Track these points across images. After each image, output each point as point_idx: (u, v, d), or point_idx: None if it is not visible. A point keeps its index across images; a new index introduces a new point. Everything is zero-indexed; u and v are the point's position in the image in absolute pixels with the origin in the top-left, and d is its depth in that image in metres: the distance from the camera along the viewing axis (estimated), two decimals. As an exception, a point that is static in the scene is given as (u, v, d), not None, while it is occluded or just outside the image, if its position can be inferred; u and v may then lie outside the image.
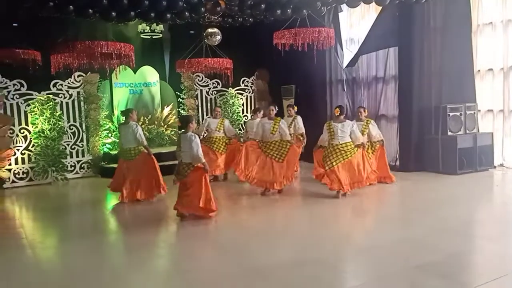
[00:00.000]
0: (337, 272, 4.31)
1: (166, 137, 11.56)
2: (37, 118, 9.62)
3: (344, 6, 10.11)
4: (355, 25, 10.78)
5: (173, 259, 4.93)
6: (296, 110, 9.10)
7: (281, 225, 5.95)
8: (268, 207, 6.85)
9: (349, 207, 6.65)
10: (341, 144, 6.94)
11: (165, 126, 11.64)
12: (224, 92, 12.16)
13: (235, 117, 12.07)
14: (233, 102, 12.08)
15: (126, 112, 7.63)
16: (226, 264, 4.54)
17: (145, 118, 11.37)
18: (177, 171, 6.08)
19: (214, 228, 5.83)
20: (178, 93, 11.85)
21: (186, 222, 6.09)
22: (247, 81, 12.59)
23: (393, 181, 7.98)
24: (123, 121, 7.67)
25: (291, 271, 4.22)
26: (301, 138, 8.78)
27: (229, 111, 12.00)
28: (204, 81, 12.10)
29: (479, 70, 9.15)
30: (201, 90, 12.09)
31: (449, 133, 8.69)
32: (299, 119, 8.96)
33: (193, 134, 6.06)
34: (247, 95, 12.61)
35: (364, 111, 8.08)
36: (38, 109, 9.61)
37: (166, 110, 11.79)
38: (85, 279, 4.27)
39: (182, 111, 11.84)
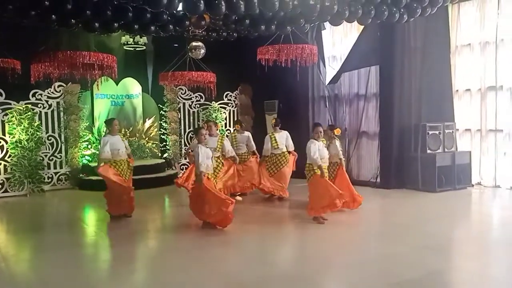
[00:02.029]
0: (318, 289, 4.29)
1: (147, 149, 11.44)
2: (15, 128, 9.41)
3: (327, 24, 10.28)
4: (337, 43, 10.95)
5: (155, 272, 4.82)
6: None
7: (267, 242, 5.90)
8: (257, 222, 6.80)
9: (329, 223, 6.64)
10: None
11: (147, 139, 11.53)
12: (207, 106, 12.14)
13: (218, 131, 12.01)
14: (216, 116, 12.06)
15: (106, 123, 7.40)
16: (210, 278, 4.47)
17: (127, 130, 11.24)
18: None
19: (197, 243, 5.75)
20: (161, 106, 11.78)
21: (167, 235, 6.01)
22: (231, 95, 12.61)
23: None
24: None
25: (274, 285, 4.19)
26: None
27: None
28: (187, 94, 12.08)
29: (457, 90, 9.37)
30: (184, 103, 12.04)
31: (428, 151, 8.83)
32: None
33: (199, 145, 6.15)
34: (230, 109, 12.61)
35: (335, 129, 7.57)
36: (16, 119, 9.41)
37: (148, 123, 11.69)
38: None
39: (164, 124, 11.76)
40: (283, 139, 8.24)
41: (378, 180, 9.48)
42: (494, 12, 8.70)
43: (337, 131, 6.50)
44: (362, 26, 9.38)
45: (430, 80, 9.22)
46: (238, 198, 8.07)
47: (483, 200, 8.42)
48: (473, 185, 9.02)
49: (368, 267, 4.70)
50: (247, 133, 8.70)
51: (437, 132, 8.91)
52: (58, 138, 10.16)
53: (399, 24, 8.42)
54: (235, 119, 12.34)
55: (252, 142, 8.57)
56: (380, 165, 9.54)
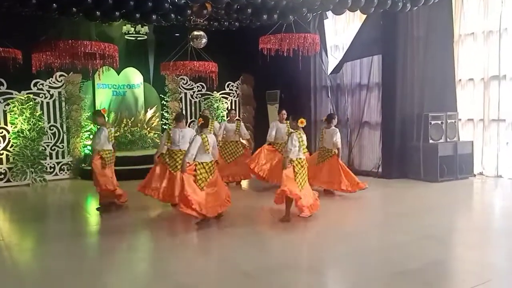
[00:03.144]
0: (320, 277, 4.31)
1: (149, 139, 11.44)
2: (17, 118, 9.41)
3: (329, 13, 10.21)
4: (340, 32, 10.88)
5: (156, 262, 4.85)
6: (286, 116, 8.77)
7: (267, 230, 5.92)
8: (257, 212, 6.82)
9: (332, 212, 6.66)
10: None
11: (148, 129, 11.52)
12: (209, 96, 12.11)
13: (219, 120, 12.01)
14: (217, 106, 12.03)
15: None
16: (213, 266, 4.50)
17: (128, 120, 11.23)
18: (207, 173, 5.93)
19: (199, 233, 5.76)
20: (162, 96, 11.75)
21: (169, 226, 6.04)
22: (232, 85, 12.57)
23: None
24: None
25: (277, 275, 4.22)
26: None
27: (214, 114, 11.95)
28: (189, 84, 12.04)
29: (460, 80, 9.32)
30: (185, 93, 12.02)
31: (431, 141, 8.81)
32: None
33: (197, 135, 6.05)
34: (231, 99, 12.58)
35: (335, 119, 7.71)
36: (18, 109, 9.41)
37: (150, 113, 11.68)
38: (62, 282, 4.18)
39: (165, 114, 11.74)
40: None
41: (380, 170, 9.48)
42: (498, 1, 8.62)
43: (301, 122, 6.25)
44: (365, 15, 9.31)
45: (432, 69, 9.17)
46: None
47: (485, 190, 8.42)
48: (475, 175, 9.02)
49: (371, 256, 4.71)
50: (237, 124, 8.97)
51: (439, 122, 8.88)
52: (60, 128, 10.16)
53: (402, 13, 8.36)
54: (235, 109, 12.32)
55: (245, 130, 8.92)
56: (382, 155, 9.54)
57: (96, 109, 9.95)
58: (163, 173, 6.74)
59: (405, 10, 7.76)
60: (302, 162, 6.02)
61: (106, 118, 7.55)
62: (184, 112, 11.86)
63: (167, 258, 4.80)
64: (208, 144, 5.86)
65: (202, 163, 5.85)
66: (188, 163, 5.76)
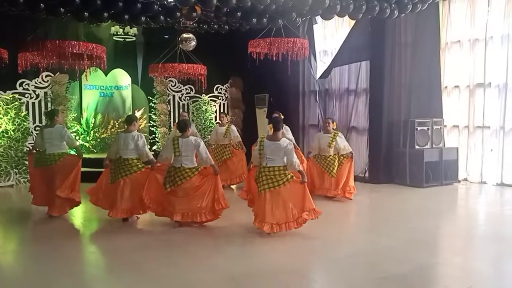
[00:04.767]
0: (307, 282, 4.31)
1: (136, 141, 11.34)
2: (1, 118, 9.28)
3: (318, 18, 10.27)
4: (329, 37, 10.95)
5: (143, 265, 4.80)
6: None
7: (256, 234, 5.91)
8: (247, 215, 6.80)
9: (319, 217, 6.66)
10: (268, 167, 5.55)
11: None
12: (197, 99, 12.08)
13: (208, 123, 12.00)
14: (206, 109, 12.01)
15: (51, 114, 6.87)
16: (201, 270, 4.48)
17: (115, 121, 11.14)
18: (173, 177, 5.85)
19: (187, 236, 5.73)
20: (150, 98, 11.69)
21: (154, 229, 6.00)
22: (221, 88, 12.56)
23: (347, 196, 7.62)
24: (48, 124, 6.91)
25: (265, 280, 4.22)
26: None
27: (202, 117, 11.92)
28: (177, 87, 12.00)
29: (446, 87, 9.45)
30: (173, 96, 11.97)
31: (417, 147, 8.90)
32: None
33: (197, 138, 6.09)
34: (220, 102, 12.56)
35: (333, 123, 7.87)
36: (3, 109, 9.27)
37: (137, 114, 11.58)
38: (46, 285, 4.12)
39: (153, 116, 11.68)
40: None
41: (367, 175, 9.55)
42: (484, 10, 8.77)
43: (270, 128, 6.30)
44: (354, 21, 9.39)
45: (419, 76, 9.29)
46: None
47: (470, 195, 8.53)
48: (459, 181, 9.13)
49: (356, 260, 4.74)
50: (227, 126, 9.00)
51: (425, 128, 8.98)
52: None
53: (390, 20, 8.45)
54: (225, 112, 12.30)
55: (235, 133, 8.93)
56: (369, 160, 9.61)
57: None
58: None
59: (393, 17, 7.84)
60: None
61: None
62: (171, 114, 11.81)
63: (154, 261, 4.76)
64: (178, 148, 5.86)
65: (172, 166, 5.96)
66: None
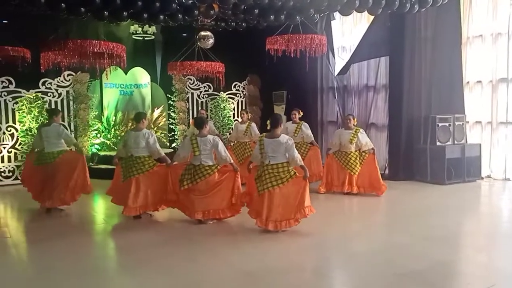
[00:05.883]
0: (325, 279, 4.30)
1: (155, 139, 11.47)
2: (25, 116, 9.50)
3: (336, 14, 10.20)
4: (347, 33, 10.86)
5: (161, 260, 4.86)
6: (301, 116, 8.76)
7: (271, 231, 5.92)
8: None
9: (337, 213, 6.65)
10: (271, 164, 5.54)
11: (155, 128, 11.57)
12: (215, 96, 12.13)
13: (226, 121, 12.04)
14: (224, 106, 12.06)
15: (51, 112, 7.14)
16: (218, 266, 4.51)
17: (135, 119, 11.27)
18: (192, 175, 5.90)
19: (204, 232, 5.78)
20: (169, 96, 11.80)
21: (172, 224, 6.06)
22: (239, 86, 12.58)
23: (382, 192, 7.67)
24: (46, 123, 7.14)
25: (280, 277, 4.21)
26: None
27: (220, 115, 11.97)
28: (196, 84, 12.07)
29: (468, 82, 9.26)
30: (192, 93, 12.05)
31: (438, 143, 8.76)
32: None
33: (215, 137, 6.08)
34: (238, 100, 12.59)
35: (353, 119, 7.91)
36: (26, 107, 9.50)
37: (156, 112, 11.73)
38: (68, 279, 4.21)
39: (172, 114, 11.79)
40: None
41: (387, 171, 9.45)
42: (507, 3, 8.55)
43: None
44: (372, 16, 9.29)
45: (440, 71, 9.12)
46: None
47: (493, 193, 8.36)
48: (482, 178, 8.95)
49: (375, 257, 4.70)
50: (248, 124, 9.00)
51: (447, 124, 8.83)
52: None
53: (409, 14, 8.32)
54: (245, 109, 12.32)
55: (256, 131, 8.83)
56: (388, 156, 9.50)
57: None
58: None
59: (413, 11, 7.72)
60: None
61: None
62: (190, 112, 11.88)
63: (172, 257, 4.82)
64: (198, 147, 5.87)
65: (191, 164, 6.00)
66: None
